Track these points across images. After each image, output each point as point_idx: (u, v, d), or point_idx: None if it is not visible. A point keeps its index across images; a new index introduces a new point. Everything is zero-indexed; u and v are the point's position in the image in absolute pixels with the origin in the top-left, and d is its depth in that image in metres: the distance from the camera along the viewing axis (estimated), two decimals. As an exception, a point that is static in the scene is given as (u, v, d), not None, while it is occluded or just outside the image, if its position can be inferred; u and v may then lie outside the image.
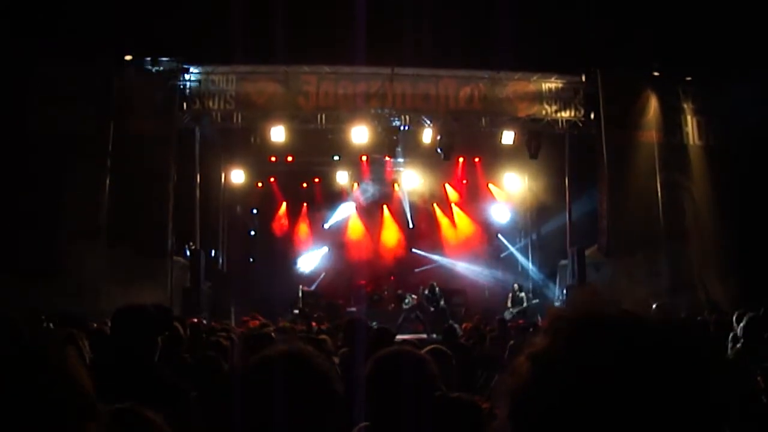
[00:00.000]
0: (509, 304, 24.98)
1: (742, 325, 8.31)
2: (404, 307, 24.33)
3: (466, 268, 28.52)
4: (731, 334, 9.21)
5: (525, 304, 24.76)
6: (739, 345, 8.25)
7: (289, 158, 26.28)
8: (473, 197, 29.39)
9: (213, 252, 24.97)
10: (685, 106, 23.01)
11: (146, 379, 4.34)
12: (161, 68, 21.00)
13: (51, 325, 9.49)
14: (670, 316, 10.38)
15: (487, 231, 29.46)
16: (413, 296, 24.82)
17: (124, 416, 2.10)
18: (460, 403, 3.61)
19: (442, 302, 24.64)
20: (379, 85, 21.95)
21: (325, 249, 29.14)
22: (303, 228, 29.55)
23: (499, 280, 27.42)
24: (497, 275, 27.88)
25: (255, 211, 29.02)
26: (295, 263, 28.66)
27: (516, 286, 25.66)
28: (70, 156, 19.73)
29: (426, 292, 24.71)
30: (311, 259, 28.98)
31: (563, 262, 23.49)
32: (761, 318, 8.09)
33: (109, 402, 2.11)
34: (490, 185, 29.11)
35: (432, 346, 5.66)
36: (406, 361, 3.27)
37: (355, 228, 29.80)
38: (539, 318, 22.21)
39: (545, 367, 1.27)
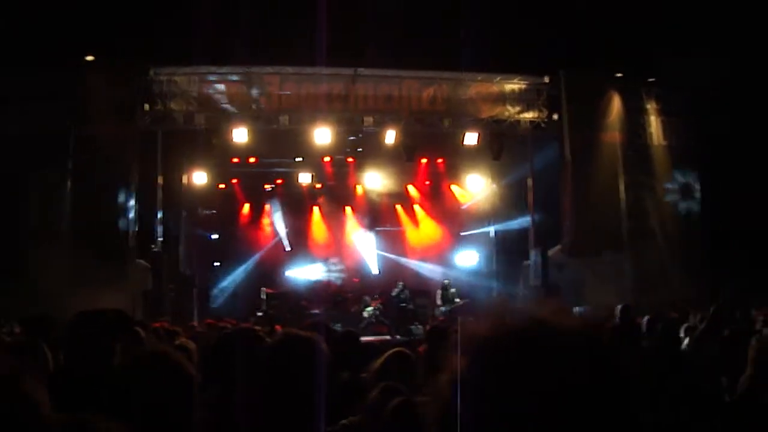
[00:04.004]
0: (439, 302, 25.00)
1: (697, 319, 8.45)
2: (364, 315, 24.11)
3: (429, 270, 28.53)
4: (685, 326, 9.35)
5: (456, 302, 24.79)
6: (696, 332, 8.35)
7: (252, 159, 26.20)
8: (436, 198, 29.42)
9: (175, 254, 24.78)
10: (649, 106, 23.21)
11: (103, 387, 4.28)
12: (123, 69, 20.76)
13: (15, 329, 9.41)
14: (634, 316, 10.44)
15: (449, 231, 29.46)
16: (379, 305, 24.58)
17: (82, 427, 2.01)
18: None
19: (410, 305, 24.60)
20: (342, 86, 21.94)
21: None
22: (265, 228, 29.47)
23: (462, 281, 27.33)
24: (460, 275, 27.82)
25: (214, 211, 28.77)
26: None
27: (446, 282, 25.69)
28: (31, 158, 19.53)
29: (395, 290, 24.70)
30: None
31: (526, 262, 23.54)
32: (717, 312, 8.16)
33: (66, 410, 2.07)
34: (453, 186, 29.16)
35: (395, 349, 5.64)
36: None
37: (318, 230, 29.67)
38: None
39: (465, 392, 1.26)
